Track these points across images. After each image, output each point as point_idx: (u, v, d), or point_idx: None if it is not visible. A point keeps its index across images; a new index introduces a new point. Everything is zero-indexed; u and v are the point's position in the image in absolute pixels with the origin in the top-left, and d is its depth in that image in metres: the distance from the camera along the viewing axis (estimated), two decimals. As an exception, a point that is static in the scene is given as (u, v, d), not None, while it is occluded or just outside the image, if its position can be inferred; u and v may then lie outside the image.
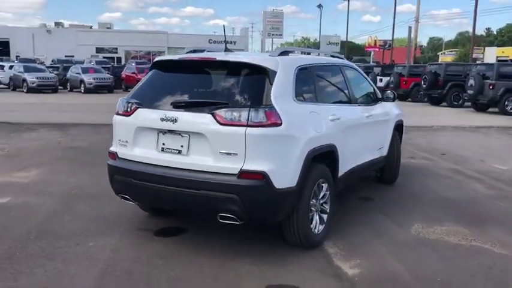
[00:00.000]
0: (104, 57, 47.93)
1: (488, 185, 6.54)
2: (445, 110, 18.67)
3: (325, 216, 4.25)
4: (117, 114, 4.10)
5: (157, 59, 4.27)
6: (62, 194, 5.55)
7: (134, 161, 3.95)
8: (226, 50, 4.49)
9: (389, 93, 5.83)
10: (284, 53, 4.27)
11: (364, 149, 5.20)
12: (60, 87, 25.86)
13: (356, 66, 5.73)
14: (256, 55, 4.18)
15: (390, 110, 6.09)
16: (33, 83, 23.79)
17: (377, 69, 27.17)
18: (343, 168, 4.56)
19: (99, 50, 57.56)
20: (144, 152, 3.90)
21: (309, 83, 4.30)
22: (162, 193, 3.76)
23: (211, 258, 3.79)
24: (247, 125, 3.48)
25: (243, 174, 3.48)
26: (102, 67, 28.75)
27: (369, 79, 5.85)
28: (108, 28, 64.18)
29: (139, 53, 58.45)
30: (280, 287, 3.39)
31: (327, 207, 4.27)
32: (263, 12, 70.12)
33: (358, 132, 4.93)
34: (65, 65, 30.88)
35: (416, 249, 4.15)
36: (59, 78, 25.91)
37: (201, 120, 3.59)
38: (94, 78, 24.71)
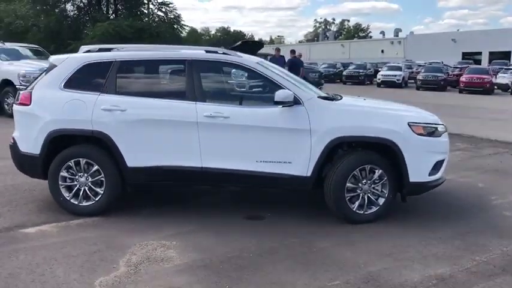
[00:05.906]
0: None
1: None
2: None
3: (100, 193, 5.04)
4: None
5: None
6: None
7: None
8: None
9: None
10: (104, 49, 5.33)
11: (201, 151, 4.92)
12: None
13: (244, 64, 5.20)
14: (78, 54, 5.38)
15: (316, 120, 4.86)
16: None
17: None
18: (137, 161, 4.93)
19: None
20: None
21: (96, 76, 5.09)
22: None
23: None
24: (14, 103, 5.41)
25: (12, 138, 5.31)
26: None
27: (274, 79, 5.09)
28: None
29: None
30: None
31: (103, 187, 5.01)
32: None
33: (176, 129, 4.90)
34: None
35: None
36: None
37: None
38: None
